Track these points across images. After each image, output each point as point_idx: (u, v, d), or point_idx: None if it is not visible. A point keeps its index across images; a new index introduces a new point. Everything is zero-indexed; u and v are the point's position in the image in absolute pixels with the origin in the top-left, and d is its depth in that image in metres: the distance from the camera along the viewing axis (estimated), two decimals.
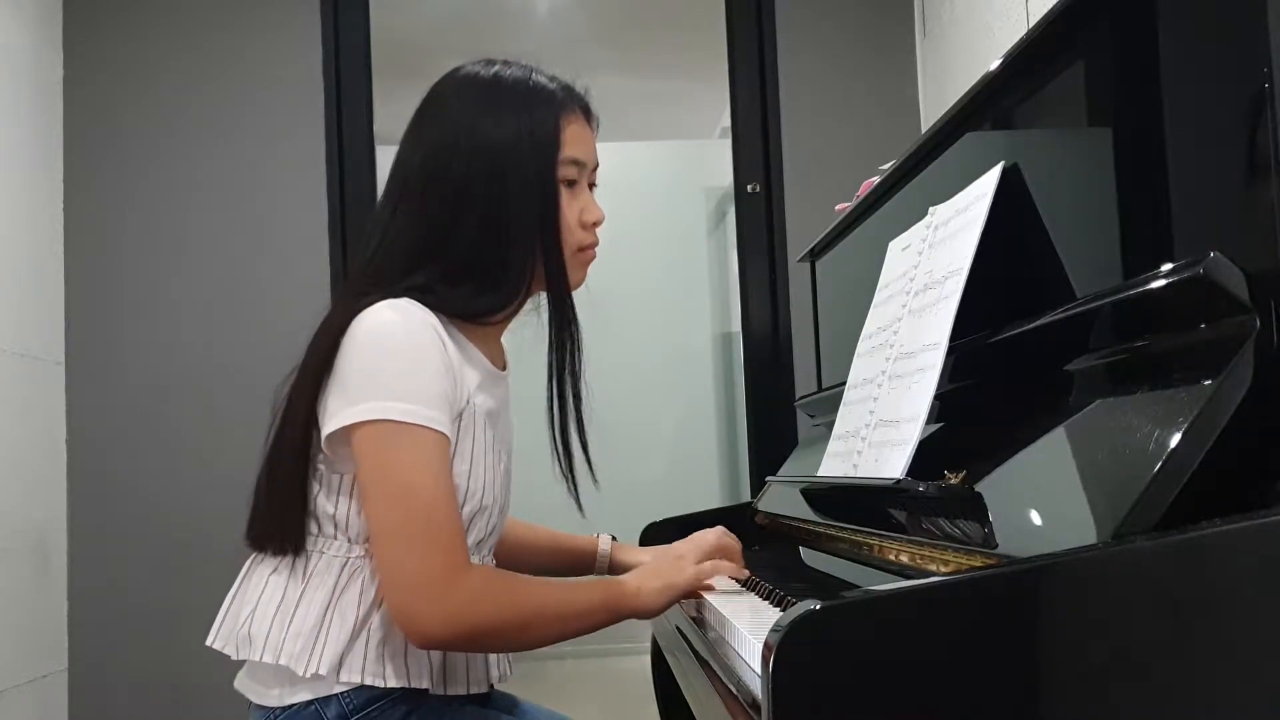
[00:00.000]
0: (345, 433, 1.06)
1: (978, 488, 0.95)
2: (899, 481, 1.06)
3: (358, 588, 1.09)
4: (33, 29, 2.54)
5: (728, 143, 2.88)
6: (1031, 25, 1.11)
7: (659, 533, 1.68)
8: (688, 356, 4.67)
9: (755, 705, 0.83)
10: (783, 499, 1.65)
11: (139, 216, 2.66)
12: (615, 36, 4.34)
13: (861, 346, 1.36)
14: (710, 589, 1.21)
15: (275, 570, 1.12)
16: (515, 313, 1.21)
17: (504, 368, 1.24)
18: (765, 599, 1.17)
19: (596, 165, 1.21)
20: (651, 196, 4.61)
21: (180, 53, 2.69)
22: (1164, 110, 0.93)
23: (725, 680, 0.94)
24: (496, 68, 1.19)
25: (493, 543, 1.22)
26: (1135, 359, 0.89)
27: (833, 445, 1.33)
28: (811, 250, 2.02)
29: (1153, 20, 0.93)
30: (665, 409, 4.61)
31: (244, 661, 1.14)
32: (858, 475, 1.20)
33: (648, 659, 1.83)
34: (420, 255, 1.13)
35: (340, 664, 1.07)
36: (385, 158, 1.28)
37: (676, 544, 1.29)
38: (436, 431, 1.05)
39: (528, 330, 1.24)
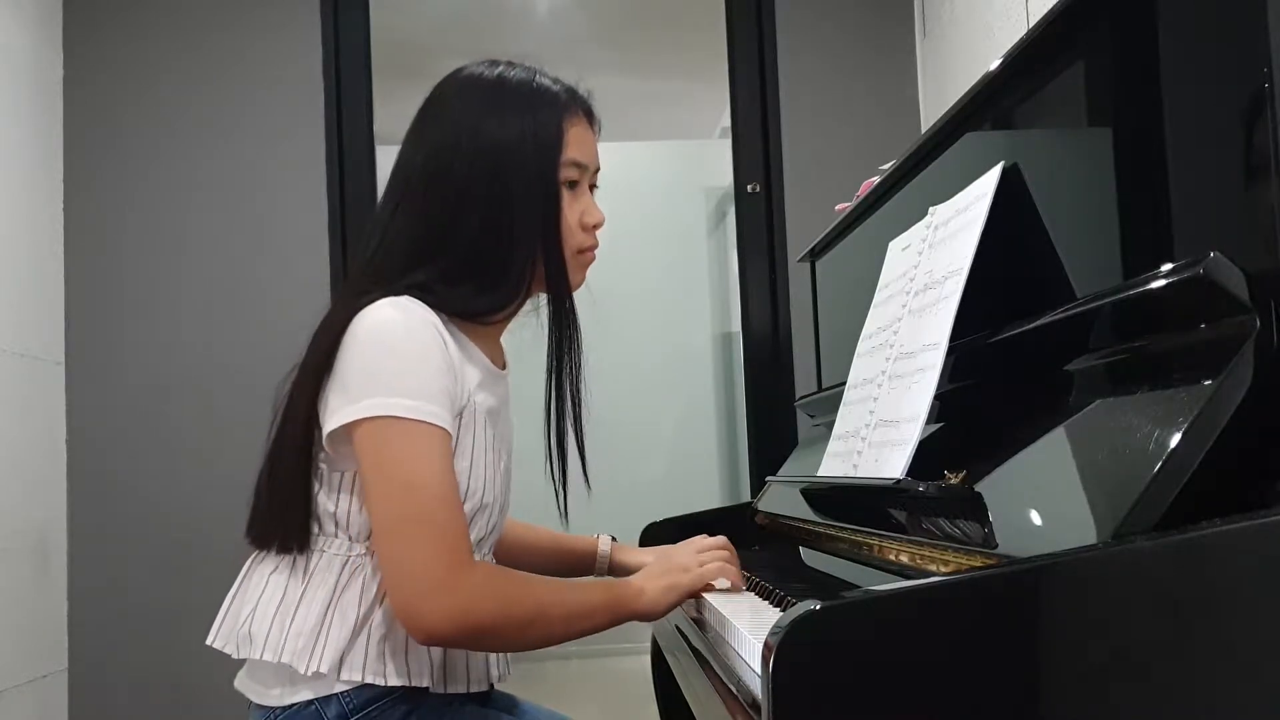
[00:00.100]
0: (346, 430, 1.06)
1: (978, 488, 0.95)
2: (899, 481, 1.06)
3: (358, 586, 1.09)
4: (33, 29, 2.54)
5: (728, 143, 2.88)
6: (1031, 25, 1.11)
7: (659, 533, 1.68)
8: (688, 356, 4.67)
9: (755, 705, 0.83)
10: (783, 499, 1.65)
11: (139, 216, 2.66)
12: (615, 36, 4.34)
13: (861, 346, 1.36)
14: (711, 588, 1.21)
15: (276, 569, 1.13)
16: (515, 313, 1.21)
17: (504, 367, 1.24)
18: (765, 599, 1.17)
19: (598, 168, 1.21)
20: (651, 196, 4.61)
21: (180, 53, 2.69)
22: (1164, 110, 0.93)
23: (725, 680, 0.94)
24: (500, 69, 1.19)
25: (493, 541, 1.22)
26: (1135, 359, 0.89)
27: (833, 445, 1.33)
28: (811, 250, 2.02)
29: (1153, 20, 0.93)
30: (665, 409, 4.61)
31: (244, 661, 1.14)
32: (858, 475, 1.20)
33: (648, 659, 1.83)
34: (421, 254, 1.14)
35: (341, 662, 1.07)
36: (385, 158, 1.28)
37: (677, 545, 1.29)
38: (438, 428, 1.05)
39: (527, 331, 1.25)
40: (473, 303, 1.15)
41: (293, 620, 1.08)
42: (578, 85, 1.22)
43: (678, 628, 1.26)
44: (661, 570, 1.18)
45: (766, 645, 0.68)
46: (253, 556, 1.17)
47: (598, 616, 1.10)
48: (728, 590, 1.24)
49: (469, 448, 1.11)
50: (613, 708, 3.65)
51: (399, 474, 1.04)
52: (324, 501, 1.11)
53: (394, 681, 1.08)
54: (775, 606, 1.13)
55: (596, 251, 1.22)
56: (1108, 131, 1.04)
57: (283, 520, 1.12)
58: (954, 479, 0.99)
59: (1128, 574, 0.71)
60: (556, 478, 1.22)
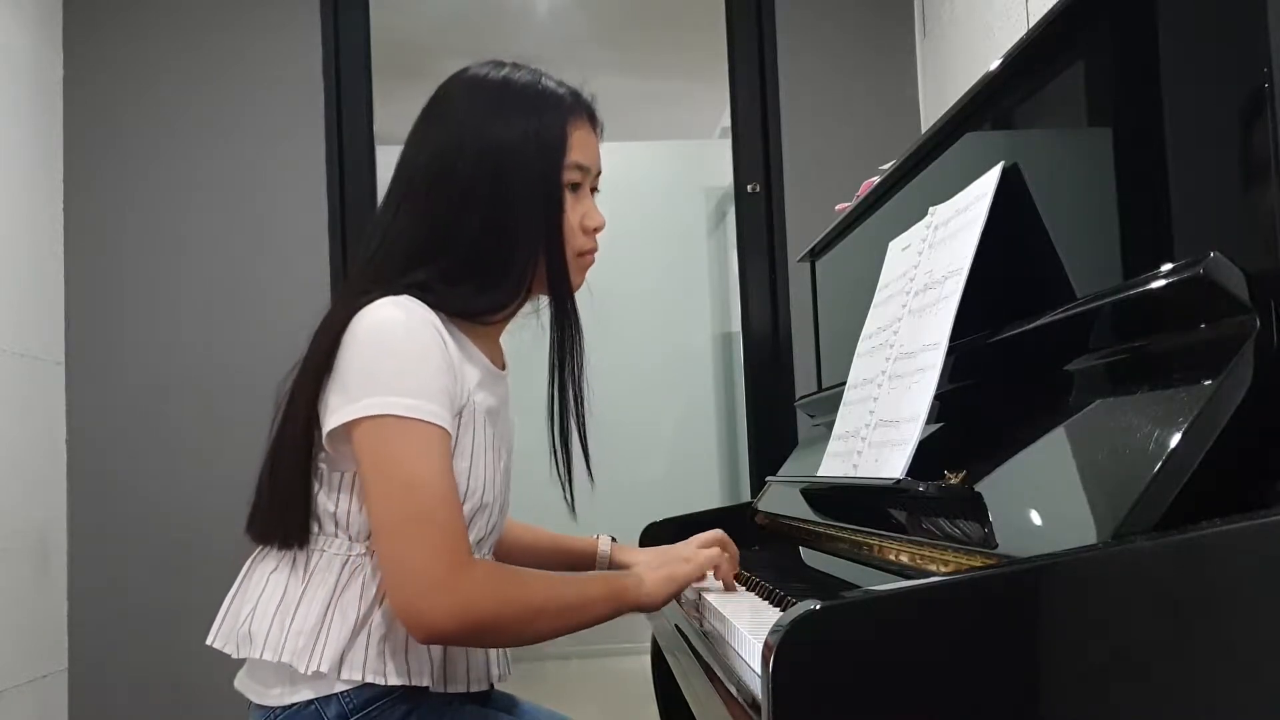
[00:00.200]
0: (346, 429, 1.06)
1: (978, 488, 0.95)
2: (899, 481, 1.06)
3: (358, 585, 1.09)
4: (33, 29, 2.54)
5: (728, 143, 2.88)
6: (1031, 25, 1.11)
7: (659, 533, 1.68)
8: (688, 356, 4.67)
9: (755, 705, 0.83)
10: (783, 499, 1.65)
11: (139, 216, 2.66)
12: (615, 36, 4.34)
13: (861, 346, 1.36)
14: (705, 578, 1.23)
15: (276, 569, 1.13)
16: (514, 313, 1.21)
17: (503, 367, 1.24)
18: (765, 599, 1.18)
19: (600, 171, 1.22)
20: (651, 196, 4.61)
21: (180, 53, 2.69)
22: (1164, 110, 0.93)
23: (725, 680, 0.94)
24: (506, 70, 1.19)
25: (493, 541, 1.22)
26: (1135, 359, 0.89)
27: (833, 445, 1.33)
28: (811, 250, 2.02)
29: (1153, 20, 0.93)
30: (665, 409, 4.61)
31: (244, 661, 1.14)
32: (858, 475, 1.20)
33: (648, 659, 1.83)
34: (422, 254, 1.14)
35: (341, 661, 1.07)
36: (385, 158, 1.29)
37: (676, 544, 1.30)
38: (438, 427, 1.05)
39: (527, 332, 1.25)
40: (473, 302, 1.15)
41: (293, 619, 1.08)
42: (582, 88, 1.22)
43: (678, 627, 1.26)
44: (660, 562, 1.21)
45: (766, 645, 0.68)
46: (253, 556, 1.17)
47: (597, 608, 1.10)
48: (726, 590, 1.24)
49: (468, 447, 1.11)
50: (613, 708, 3.65)
51: (399, 473, 1.04)
52: (324, 501, 1.11)
53: (394, 681, 1.08)
54: (775, 606, 1.13)
55: (595, 256, 1.23)
56: (1108, 131, 1.04)
57: (283, 520, 1.12)
58: (954, 479, 0.99)
59: (1128, 574, 0.71)
60: (562, 474, 1.23)
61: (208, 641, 1.14)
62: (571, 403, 1.22)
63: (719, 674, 0.98)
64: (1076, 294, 1.04)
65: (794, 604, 0.72)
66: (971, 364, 1.16)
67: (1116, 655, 0.69)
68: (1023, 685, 0.69)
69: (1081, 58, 1.06)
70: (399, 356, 1.06)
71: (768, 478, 1.80)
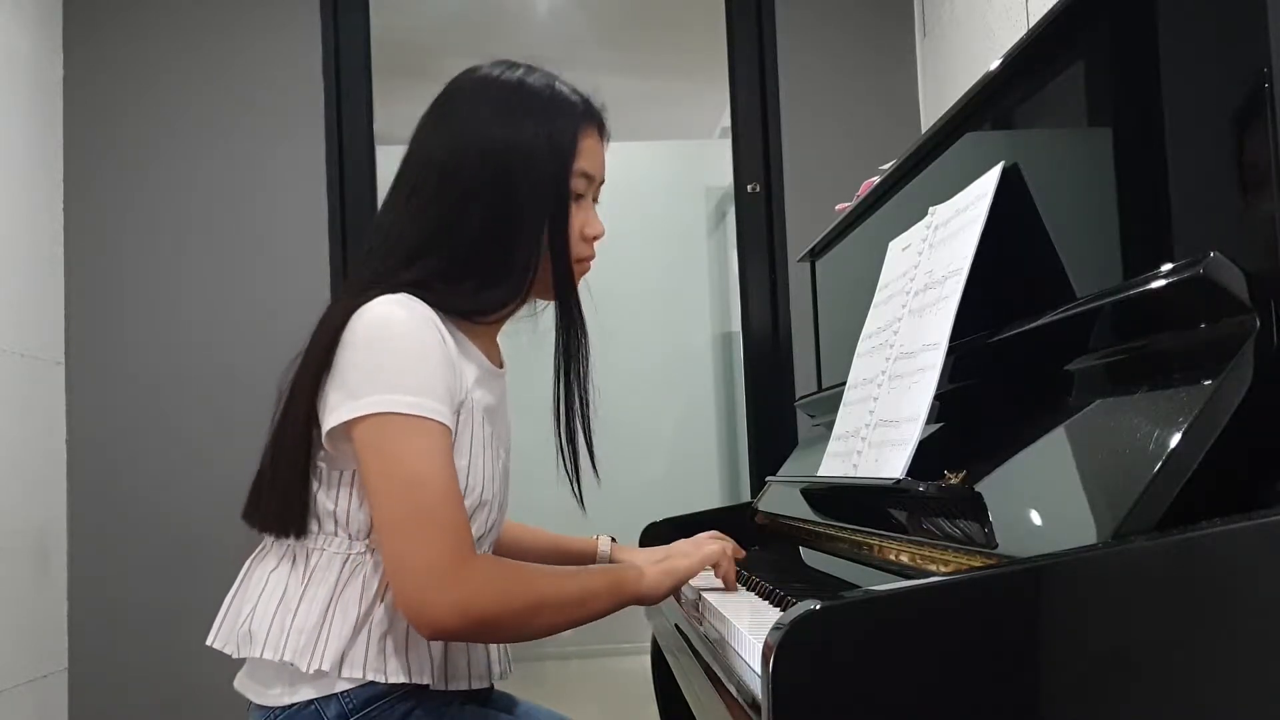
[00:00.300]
0: (347, 427, 1.06)
1: (978, 488, 0.95)
2: (899, 481, 1.06)
3: (359, 583, 1.09)
4: (33, 29, 2.54)
5: (728, 143, 2.88)
6: (1031, 25, 1.11)
7: (659, 533, 1.68)
8: (688, 356, 4.66)
9: (755, 705, 0.83)
10: (783, 499, 1.65)
11: (139, 216, 2.66)
12: (615, 36, 4.34)
13: (861, 346, 1.36)
14: (715, 570, 1.24)
15: (276, 568, 1.13)
16: (511, 314, 1.21)
17: (500, 365, 1.25)
18: (765, 599, 1.18)
19: (603, 182, 1.22)
20: (651, 196, 4.60)
21: (180, 53, 2.69)
22: (1164, 110, 0.93)
23: (725, 680, 0.94)
24: (520, 72, 1.19)
25: (493, 539, 1.23)
26: (1135, 359, 0.89)
27: (833, 445, 1.34)
28: (811, 250, 2.02)
29: (1153, 20, 0.93)
30: (665, 409, 4.61)
31: (244, 661, 1.14)
32: (858, 475, 1.20)
33: (648, 659, 1.82)
34: (423, 251, 1.14)
35: (343, 660, 1.07)
36: (385, 158, 1.29)
37: (677, 541, 1.32)
38: (439, 423, 1.05)
39: (525, 333, 1.25)
40: (471, 301, 1.15)
41: (294, 618, 1.08)
42: (593, 96, 1.22)
43: (678, 627, 1.26)
44: (661, 555, 1.23)
45: (766, 645, 0.68)
46: (253, 556, 1.18)
47: (600, 601, 1.11)
48: (727, 589, 1.24)
49: (467, 444, 1.12)
50: (613, 708, 3.65)
51: (401, 470, 1.04)
52: (323, 500, 1.11)
53: (395, 678, 1.08)
54: (775, 606, 1.13)
55: (591, 264, 1.24)
56: (1108, 131, 1.04)
57: (281, 513, 1.12)
58: (954, 479, 0.99)
59: (1128, 574, 0.71)
60: (570, 472, 1.23)
61: (208, 642, 1.14)
62: (578, 405, 1.23)
63: (719, 674, 0.98)
64: (1076, 294, 1.04)
65: (794, 604, 0.72)
66: (971, 364, 1.16)
67: (1116, 655, 0.69)
68: (1023, 685, 0.69)
69: (1081, 58, 1.06)
70: (400, 354, 1.06)
71: (768, 478, 1.81)
